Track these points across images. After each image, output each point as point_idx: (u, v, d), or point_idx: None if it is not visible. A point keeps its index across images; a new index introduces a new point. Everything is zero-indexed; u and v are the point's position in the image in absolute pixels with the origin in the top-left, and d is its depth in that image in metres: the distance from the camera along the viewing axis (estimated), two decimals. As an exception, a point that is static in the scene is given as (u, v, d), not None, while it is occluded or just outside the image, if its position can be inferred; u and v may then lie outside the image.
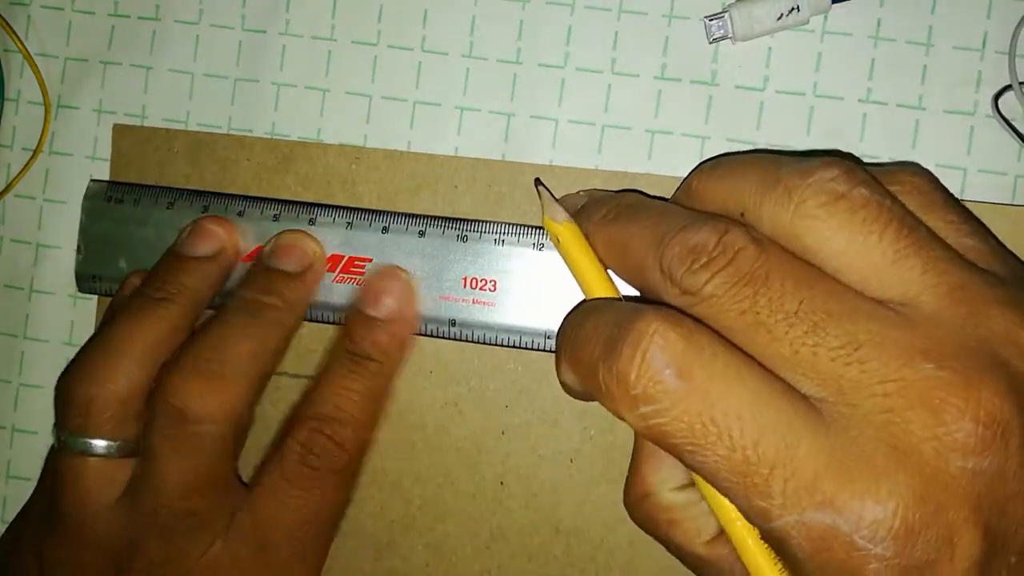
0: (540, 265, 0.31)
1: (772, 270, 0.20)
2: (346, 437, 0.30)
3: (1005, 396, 0.18)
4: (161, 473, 0.29)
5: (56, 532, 0.30)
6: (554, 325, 0.28)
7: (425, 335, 0.32)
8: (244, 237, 0.32)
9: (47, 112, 0.35)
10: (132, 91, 0.35)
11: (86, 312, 0.35)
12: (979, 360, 0.19)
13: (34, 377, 0.35)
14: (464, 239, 0.31)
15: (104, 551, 0.29)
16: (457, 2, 0.33)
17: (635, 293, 0.25)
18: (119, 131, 0.35)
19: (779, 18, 0.30)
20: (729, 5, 0.31)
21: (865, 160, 0.31)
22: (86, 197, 0.34)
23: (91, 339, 0.31)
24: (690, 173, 0.25)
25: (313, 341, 0.33)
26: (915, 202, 0.23)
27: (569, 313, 0.24)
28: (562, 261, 0.27)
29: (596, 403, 0.22)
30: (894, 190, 0.22)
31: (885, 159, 0.31)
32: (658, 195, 0.28)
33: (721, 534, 0.24)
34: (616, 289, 0.26)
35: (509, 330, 0.31)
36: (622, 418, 0.21)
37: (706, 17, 0.31)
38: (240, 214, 0.33)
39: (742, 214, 0.22)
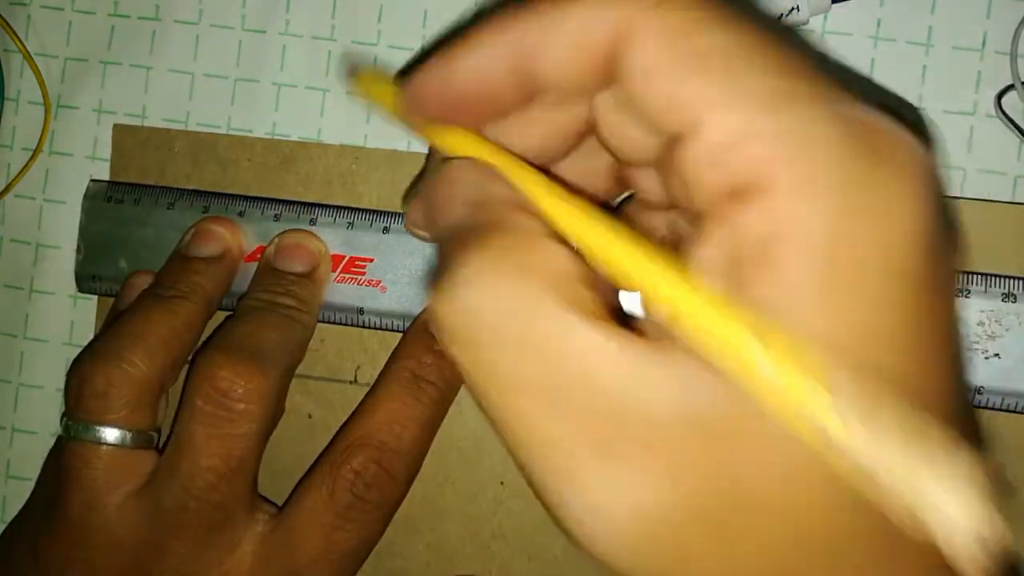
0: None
1: None
2: (399, 470, 0.29)
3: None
4: (194, 458, 0.28)
5: (57, 527, 0.29)
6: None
7: (426, 335, 0.32)
8: (245, 237, 0.32)
9: (47, 112, 0.35)
10: (132, 91, 0.35)
11: (86, 312, 0.35)
12: None
13: (34, 377, 0.35)
14: (464, 239, 0.31)
15: (118, 550, 0.28)
16: (457, 2, 0.33)
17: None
18: (119, 131, 0.35)
19: (779, 18, 0.30)
20: (729, 5, 0.31)
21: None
22: (86, 197, 0.34)
23: (102, 332, 0.31)
24: None
25: (313, 340, 0.33)
26: None
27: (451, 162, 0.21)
28: None
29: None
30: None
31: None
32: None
33: None
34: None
35: (510, 330, 0.31)
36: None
37: (706, 17, 0.31)
38: (241, 214, 0.33)
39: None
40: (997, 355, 0.29)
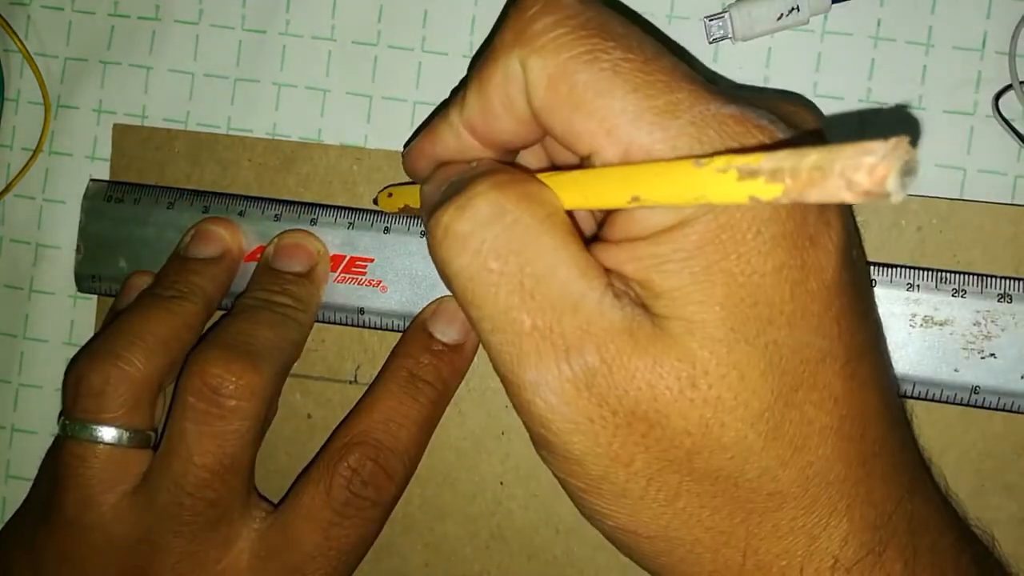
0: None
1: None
2: (396, 468, 0.29)
3: None
4: (187, 455, 0.28)
5: (53, 525, 0.29)
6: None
7: (425, 335, 0.32)
8: (246, 237, 0.32)
9: (47, 112, 0.35)
10: (132, 91, 0.35)
11: (86, 312, 0.35)
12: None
13: (34, 377, 0.35)
14: (464, 239, 0.31)
15: (114, 548, 0.28)
16: (457, 2, 0.33)
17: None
18: (119, 131, 0.35)
19: (779, 18, 0.30)
20: (729, 5, 0.31)
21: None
22: (86, 197, 0.34)
23: (101, 332, 0.31)
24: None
25: (313, 340, 0.33)
26: None
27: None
28: None
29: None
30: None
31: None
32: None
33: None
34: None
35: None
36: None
37: (706, 17, 0.31)
38: (241, 214, 0.33)
39: None
40: (993, 355, 0.29)
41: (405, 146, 0.31)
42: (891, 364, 0.28)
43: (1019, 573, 0.29)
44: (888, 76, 0.31)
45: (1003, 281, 0.29)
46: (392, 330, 0.32)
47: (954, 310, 0.29)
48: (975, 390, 0.29)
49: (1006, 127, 0.30)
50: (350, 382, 0.33)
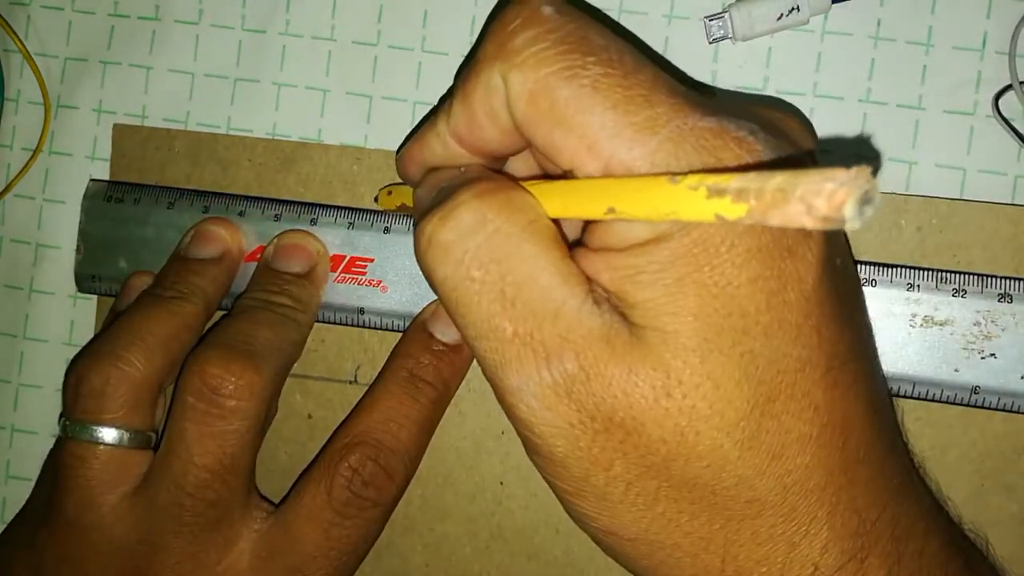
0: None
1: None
2: (396, 468, 0.30)
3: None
4: (187, 456, 0.28)
5: (54, 526, 0.29)
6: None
7: (425, 335, 0.32)
8: (246, 237, 0.32)
9: (47, 112, 0.35)
10: (132, 91, 0.35)
11: (86, 312, 0.35)
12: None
13: (34, 377, 0.35)
14: (464, 239, 0.31)
15: (115, 549, 0.28)
16: (457, 2, 0.33)
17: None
18: (119, 131, 0.35)
19: (779, 18, 0.30)
20: (729, 5, 0.31)
21: (864, 160, 0.31)
22: (86, 197, 0.34)
23: (101, 332, 0.31)
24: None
25: (313, 340, 0.33)
26: None
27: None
28: None
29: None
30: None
31: (885, 159, 0.31)
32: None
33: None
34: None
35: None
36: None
37: (706, 17, 0.31)
38: (241, 214, 0.33)
39: None
40: (993, 355, 0.29)
41: (398, 150, 0.31)
42: (880, 369, 0.28)
43: None
44: (888, 76, 0.31)
45: (1003, 281, 0.29)
46: (392, 330, 0.32)
47: (954, 310, 0.29)
48: (975, 390, 0.29)
49: (1006, 127, 0.30)
50: (350, 382, 0.33)
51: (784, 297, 0.20)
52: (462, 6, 0.33)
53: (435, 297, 0.31)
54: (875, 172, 0.19)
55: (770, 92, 0.32)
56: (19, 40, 0.35)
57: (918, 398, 0.29)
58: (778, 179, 0.14)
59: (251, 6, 0.34)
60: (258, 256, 0.32)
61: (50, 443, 0.33)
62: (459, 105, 0.23)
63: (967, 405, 0.29)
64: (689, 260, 0.19)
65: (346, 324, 0.32)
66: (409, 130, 0.33)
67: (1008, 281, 0.29)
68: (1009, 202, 0.31)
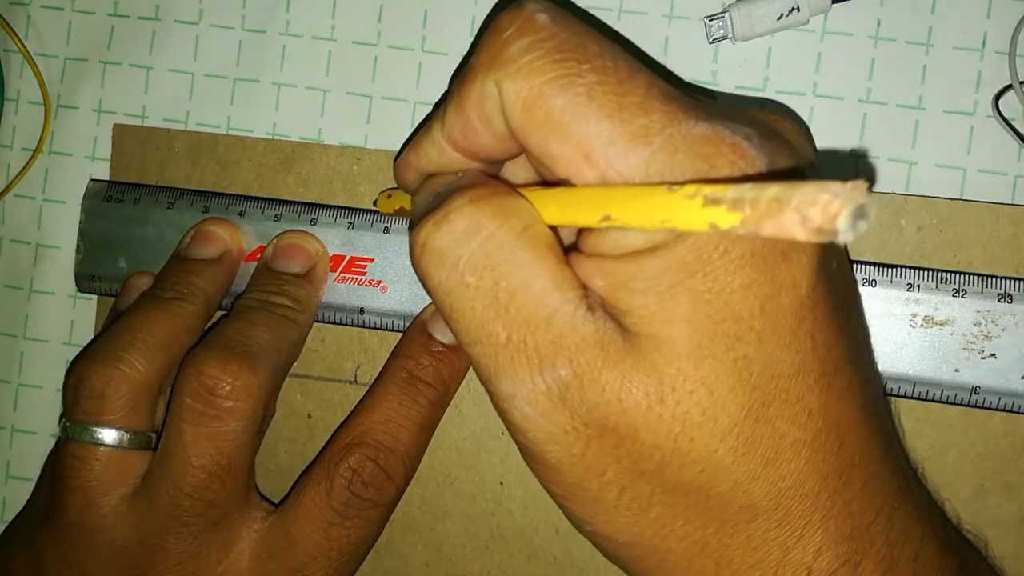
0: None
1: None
2: (396, 469, 0.30)
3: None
4: (184, 457, 0.28)
5: (54, 527, 0.29)
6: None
7: (425, 335, 0.32)
8: (246, 237, 0.32)
9: (47, 112, 0.35)
10: (132, 91, 0.35)
11: (86, 312, 0.35)
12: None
13: (34, 377, 0.35)
14: (464, 239, 0.31)
15: (115, 550, 0.28)
16: (457, 2, 0.33)
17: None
18: (119, 131, 0.35)
19: (779, 18, 0.30)
20: (729, 5, 0.31)
21: (864, 160, 0.31)
22: (86, 197, 0.34)
23: (101, 333, 0.31)
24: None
25: (313, 340, 0.33)
26: None
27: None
28: None
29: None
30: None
31: (885, 159, 0.31)
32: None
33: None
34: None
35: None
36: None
37: (706, 17, 0.31)
38: (241, 214, 0.33)
39: None
40: (993, 355, 0.29)
41: (396, 157, 0.31)
42: (876, 373, 0.28)
43: None
44: (888, 76, 0.31)
45: (1003, 281, 0.29)
46: (392, 330, 0.32)
47: (954, 310, 0.29)
48: (975, 390, 0.29)
49: (1006, 127, 0.30)
50: (350, 382, 0.33)
51: (778, 302, 0.20)
52: (462, 6, 0.33)
53: (435, 297, 0.31)
54: (871, 186, 0.19)
55: (770, 92, 0.32)
56: (19, 40, 0.35)
57: (918, 398, 0.29)
58: (775, 189, 0.14)
59: (251, 6, 0.34)
60: (258, 256, 0.32)
61: (50, 443, 0.33)
62: (454, 111, 0.23)
63: (967, 405, 0.29)
64: (682, 267, 0.19)
65: (346, 324, 0.32)
66: (409, 130, 0.33)
67: (1008, 281, 0.29)
68: (1009, 202, 0.31)
